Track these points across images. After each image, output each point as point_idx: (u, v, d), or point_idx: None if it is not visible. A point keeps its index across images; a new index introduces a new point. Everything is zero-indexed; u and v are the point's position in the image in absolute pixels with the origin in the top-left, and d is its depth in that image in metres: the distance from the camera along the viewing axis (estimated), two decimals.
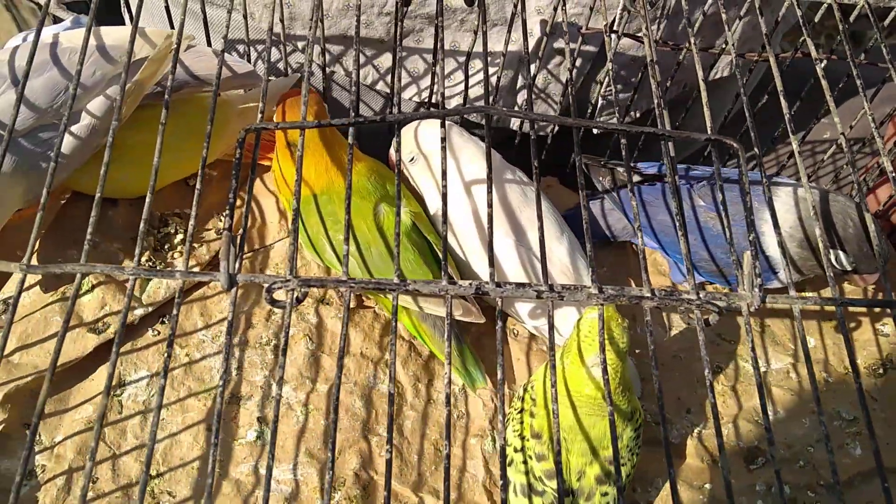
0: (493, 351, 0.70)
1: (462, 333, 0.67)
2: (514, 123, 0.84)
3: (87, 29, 0.51)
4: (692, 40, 0.56)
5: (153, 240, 0.70)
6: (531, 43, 0.75)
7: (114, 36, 0.61)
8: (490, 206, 0.48)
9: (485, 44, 0.54)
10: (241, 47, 0.77)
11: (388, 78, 0.79)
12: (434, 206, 0.70)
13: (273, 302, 0.45)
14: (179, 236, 0.70)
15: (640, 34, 0.74)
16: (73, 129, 0.59)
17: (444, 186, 0.49)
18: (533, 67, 0.77)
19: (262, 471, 0.61)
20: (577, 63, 0.78)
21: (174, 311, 0.44)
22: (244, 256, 0.72)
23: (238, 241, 0.46)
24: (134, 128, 0.64)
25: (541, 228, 0.47)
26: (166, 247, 0.70)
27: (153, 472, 0.60)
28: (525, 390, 0.60)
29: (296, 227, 0.46)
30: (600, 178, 0.77)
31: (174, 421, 0.63)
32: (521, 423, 0.58)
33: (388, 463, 0.40)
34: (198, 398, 0.64)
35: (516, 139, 0.79)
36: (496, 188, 0.68)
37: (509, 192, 0.67)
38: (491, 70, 0.79)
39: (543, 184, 0.83)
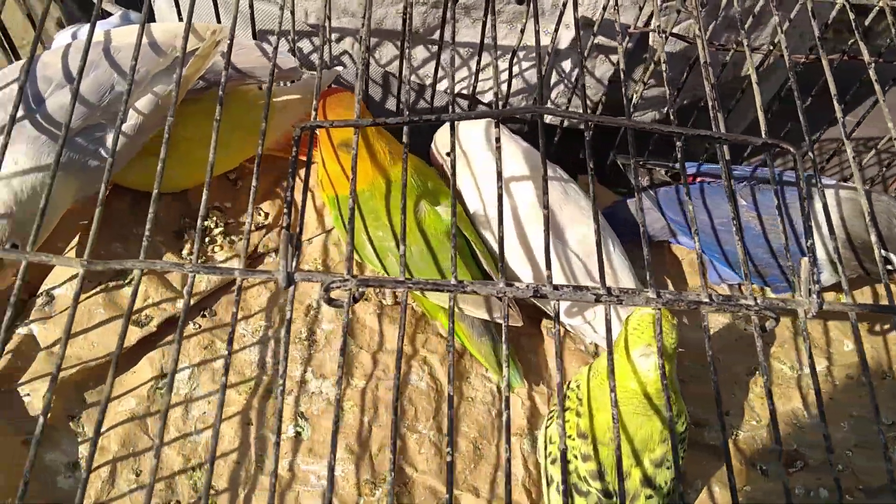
0: (530, 350, 0.70)
1: (498, 333, 0.67)
2: (548, 118, 0.83)
3: (141, 25, 0.51)
4: (744, 41, 0.56)
5: (193, 233, 0.70)
6: (567, 38, 0.75)
7: (159, 31, 0.60)
8: (546, 207, 0.48)
9: (537, 42, 0.54)
10: (272, 38, 0.77)
11: (421, 71, 0.79)
12: (473, 205, 0.69)
13: (330, 301, 0.45)
14: (219, 230, 0.70)
15: (683, 33, 0.74)
16: (122, 127, 0.59)
17: (500, 187, 0.48)
18: (568, 63, 0.77)
19: (304, 466, 0.62)
20: (615, 60, 0.77)
21: (234, 309, 0.44)
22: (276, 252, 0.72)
23: (295, 240, 0.46)
24: (178, 124, 0.64)
25: (597, 231, 0.47)
26: (206, 240, 0.70)
27: (195, 464, 0.60)
28: (570, 388, 0.60)
29: (352, 227, 0.46)
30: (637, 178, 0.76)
31: (215, 414, 0.63)
32: (566, 421, 0.58)
33: (450, 465, 0.40)
34: (238, 392, 0.64)
35: (556, 136, 0.79)
36: (533, 185, 0.68)
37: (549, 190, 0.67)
38: (525, 65, 0.79)
39: (580, 182, 0.83)
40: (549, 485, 0.59)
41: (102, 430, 0.61)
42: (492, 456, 0.64)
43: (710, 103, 0.53)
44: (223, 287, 0.69)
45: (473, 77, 0.73)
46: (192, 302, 0.67)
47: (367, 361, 0.67)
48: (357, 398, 0.65)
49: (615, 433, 0.42)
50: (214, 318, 0.67)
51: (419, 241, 0.64)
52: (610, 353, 0.44)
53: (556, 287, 0.45)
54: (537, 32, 0.54)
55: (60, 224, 0.69)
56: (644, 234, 0.47)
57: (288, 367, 0.66)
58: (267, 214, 0.73)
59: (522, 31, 0.67)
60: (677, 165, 0.75)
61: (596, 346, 0.70)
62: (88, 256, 0.45)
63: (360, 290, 0.45)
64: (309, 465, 0.62)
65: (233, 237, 0.71)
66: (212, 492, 0.60)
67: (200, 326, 0.66)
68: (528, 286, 0.45)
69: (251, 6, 0.72)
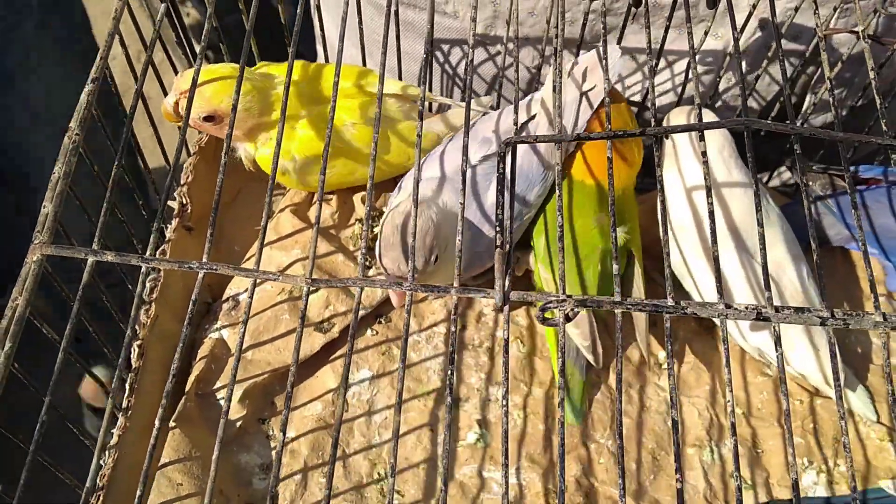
0: (703, 359, 0.69)
1: (589, 366, 0.66)
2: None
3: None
4: None
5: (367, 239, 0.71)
6: (746, 41, 0.72)
7: None
8: (761, 224, 0.47)
9: (736, 45, 0.53)
10: (446, 47, 0.77)
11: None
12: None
13: (544, 320, 0.45)
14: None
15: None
16: None
17: (711, 204, 0.48)
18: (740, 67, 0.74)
19: (486, 473, 0.62)
20: (792, 62, 0.75)
21: (452, 328, 0.44)
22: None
23: (509, 259, 0.46)
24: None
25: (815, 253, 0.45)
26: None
27: (382, 473, 0.62)
28: None
29: (562, 247, 0.46)
30: (809, 182, 0.74)
31: (396, 420, 0.64)
32: None
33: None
34: (418, 398, 0.65)
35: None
36: (729, 199, 0.65)
37: (742, 203, 0.65)
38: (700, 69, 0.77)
39: None
40: None
41: (294, 434, 0.63)
42: (671, 467, 0.64)
43: (878, 101, 0.50)
44: None
45: (647, 83, 0.72)
46: (369, 309, 0.68)
47: (542, 369, 0.67)
48: (535, 405, 0.65)
49: None
50: (390, 325, 0.68)
51: (570, 252, 0.63)
52: (837, 380, 0.43)
53: (777, 309, 0.44)
54: (737, 41, 0.53)
55: (238, 228, 0.72)
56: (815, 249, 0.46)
57: (465, 375, 0.66)
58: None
59: (706, 33, 0.65)
60: (860, 168, 0.72)
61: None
62: (310, 275, 0.46)
63: (575, 310, 0.45)
64: (491, 473, 0.62)
65: None
66: (400, 498, 0.61)
67: (377, 333, 0.68)
68: (747, 308, 0.44)
69: (396, 15, 0.72)
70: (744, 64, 0.74)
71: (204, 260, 0.45)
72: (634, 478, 0.63)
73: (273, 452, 0.62)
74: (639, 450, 0.64)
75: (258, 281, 0.47)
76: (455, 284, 0.45)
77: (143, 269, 0.44)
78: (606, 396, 0.66)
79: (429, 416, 0.64)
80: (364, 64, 0.75)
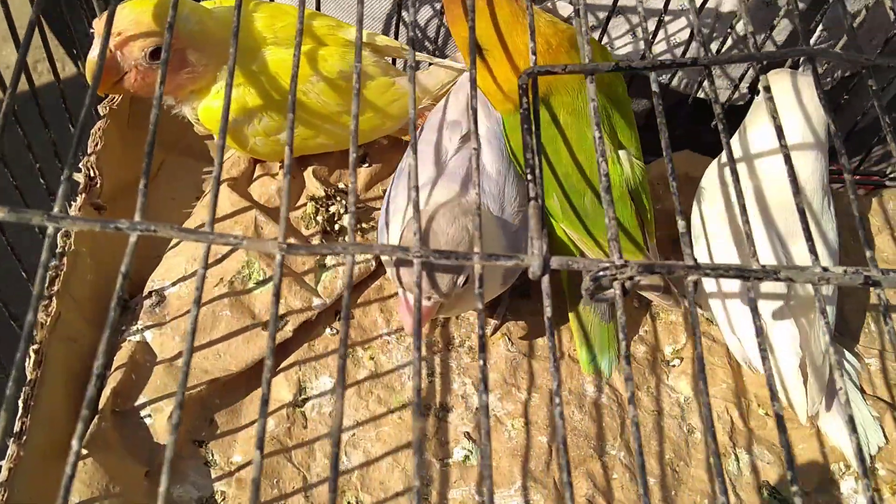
0: (714, 353, 0.60)
1: (611, 309, 0.57)
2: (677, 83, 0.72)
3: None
4: None
5: (322, 220, 0.59)
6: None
7: None
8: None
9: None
10: None
11: None
12: None
13: (593, 294, 0.34)
14: (348, 217, 0.59)
15: None
16: None
17: (785, 146, 0.38)
18: (739, 27, 0.66)
19: (480, 497, 0.51)
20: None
21: (479, 305, 0.33)
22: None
23: (542, 215, 0.36)
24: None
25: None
26: (336, 227, 0.59)
27: (351, 497, 0.50)
28: None
29: (611, 199, 0.36)
30: None
31: (367, 437, 0.52)
32: None
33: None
34: (392, 411, 0.53)
35: (689, 101, 0.67)
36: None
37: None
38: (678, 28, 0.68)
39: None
40: None
41: (241, 459, 0.50)
42: (692, 480, 0.54)
43: None
44: (357, 286, 0.58)
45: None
46: (328, 303, 0.56)
47: (538, 370, 0.56)
48: (532, 413, 0.55)
49: None
50: (352, 322, 0.57)
51: (590, 190, 0.52)
52: None
53: (884, 271, 0.35)
54: None
55: (161, 211, 0.59)
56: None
57: (446, 380, 0.55)
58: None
59: None
60: None
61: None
62: (284, 239, 0.34)
63: (637, 278, 0.34)
64: (486, 496, 0.51)
65: (363, 224, 0.60)
66: None
67: (338, 332, 0.56)
68: (847, 271, 0.34)
69: None
70: (744, 24, 0.66)
71: (137, 218, 0.33)
72: (653, 494, 0.53)
73: (214, 484, 0.50)
74: (656, 461, 0.54)
75: (211, 248, 0.35)
76: (477, 250, 0.34)
77: (50, 231, 0.32)
78: (613, 400, 0.56)
79: (406, 431, 0.53)
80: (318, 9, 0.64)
